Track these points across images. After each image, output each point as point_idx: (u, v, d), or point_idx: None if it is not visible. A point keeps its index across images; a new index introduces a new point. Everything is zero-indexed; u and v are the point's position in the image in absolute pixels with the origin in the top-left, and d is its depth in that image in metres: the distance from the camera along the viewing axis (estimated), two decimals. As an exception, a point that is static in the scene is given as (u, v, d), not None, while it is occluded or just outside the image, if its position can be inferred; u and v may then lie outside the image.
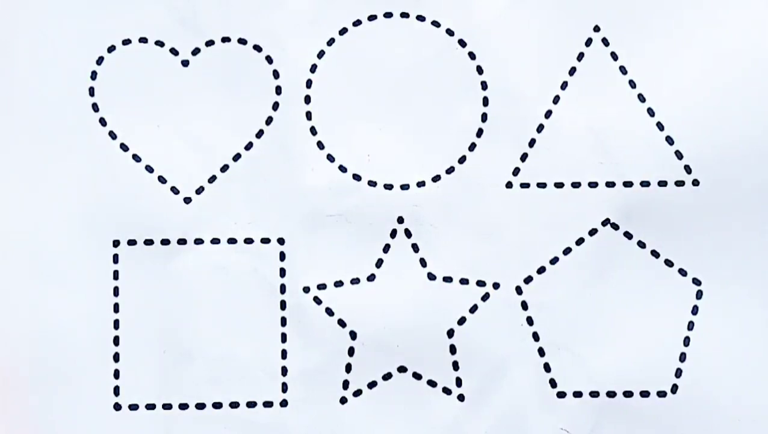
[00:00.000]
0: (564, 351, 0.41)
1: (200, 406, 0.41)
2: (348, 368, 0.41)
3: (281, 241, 0.41)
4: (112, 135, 0.41)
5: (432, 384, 0.41)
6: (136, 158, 0.41)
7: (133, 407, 0.41)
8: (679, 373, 0.41)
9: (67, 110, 0.41)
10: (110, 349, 0.41)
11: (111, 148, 0.41)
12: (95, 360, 0.41)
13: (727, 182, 0.41)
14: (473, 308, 0.41)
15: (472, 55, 0.42)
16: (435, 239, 0.41)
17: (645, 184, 0.41)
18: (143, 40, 0.41)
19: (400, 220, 0.41)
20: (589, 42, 0.42)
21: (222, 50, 0.41)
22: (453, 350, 0.41)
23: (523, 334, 0.41)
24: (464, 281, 0.41)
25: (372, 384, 0.41)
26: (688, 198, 0.41)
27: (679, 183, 0.42)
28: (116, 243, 0.41)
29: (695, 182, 0.42)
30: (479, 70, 0.42)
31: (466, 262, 0.41)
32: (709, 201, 0.41)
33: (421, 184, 0.41)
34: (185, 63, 0.41)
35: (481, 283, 0.41)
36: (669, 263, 0.41)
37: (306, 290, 0.41)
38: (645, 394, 0.41)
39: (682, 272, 0.41)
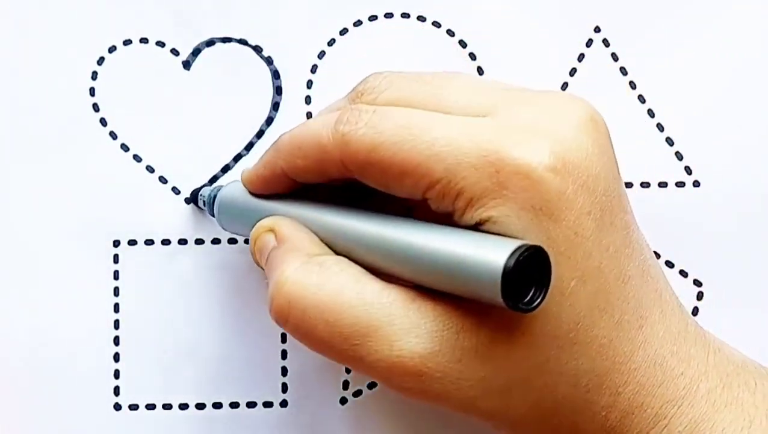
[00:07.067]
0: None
1: (200, 406, 0.41)
2: (348, 368, 0.41)
3: (281, 241, 0.41)
4: (113, 135, 0.41)
5: (432, 384, 0.41)
6: (137, 158, 0.41)
7: (133, 407, 0.41)
8: (679, 374, 0.41)
9: (68, 110, 0.41)
10: (110, 349, 0.41)
11: (112, 148, 0.41)
12: (95, 360, 0.41)
13: (727, 184, 0.41)
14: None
15: (472, 56, 0.42)
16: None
17: (645, 185, 0.41)
18: (144, 40, 0.42)
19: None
20: (589, 43, 0.42)
21: (222, 51, 0.41)
22: (453, 350, 0.41)
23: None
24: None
25: (372, 384, 0.41)
26: (689, 199, 0.41)
27: (680, 184, 0.42)
28: (116, 243, 0.41)
29: (696, 184, 0.42)
30: (480, 71, 0.42)
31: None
32: (709, 202, 0.41)
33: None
34: (186, 63, 0.42)
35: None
36: (670, 264, 0.41)
37: (306, 290, 0.41)
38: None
39: (683, 274, 0.41)
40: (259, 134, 0.41)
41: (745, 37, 0.42)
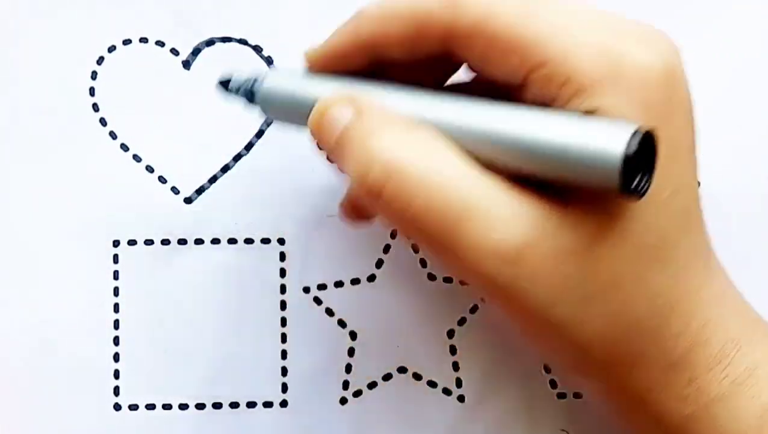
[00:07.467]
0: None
1: (200, 406, 0.41)
2: (348, 368, 0.41)
3: (281, 241, 0.41)
4: (113, 135, 0.41)
5: (432, 384, 0.41)
6: (137, 158, 0.41)
7: (133, 407, 0.41)
8: (679, 374, 0.41)
9: (68, 110, 0.41)
10: (110, 349, 0.41)
11: (111, 148, 0.41)
12: (95, 360, 0.41)
13: (728, 184, 0.41)
14: (473, 309, 0.41)
15: (472, 56, 0.42)
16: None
17: (645, 185, 0.41)
18: (144, 40, 0.42)
19: (401, 220, 0.41)
20: (589, 43, 0.42)
21: (222, 50, 0.41)
22: (453, 350, 0.41)
23: (524, 335, 0.41)
24: (464, 282, 0.41)
25: (372, 385, 0.41)
26: (689, 199, 0.41)
27: (680, 184, 0.42)
28: (116, 243, 0.41)
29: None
30: (480, 70, 0.42)
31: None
32: (709, 202, 0.41)
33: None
34: (186, 63, 0.42)
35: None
36: (669, 264, 0.41)
37: (306, 290, 0.41)
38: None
39: (683, 274, 0.41)
40: (259, 135, 0.41)
41: (745, 37, 0.42)
